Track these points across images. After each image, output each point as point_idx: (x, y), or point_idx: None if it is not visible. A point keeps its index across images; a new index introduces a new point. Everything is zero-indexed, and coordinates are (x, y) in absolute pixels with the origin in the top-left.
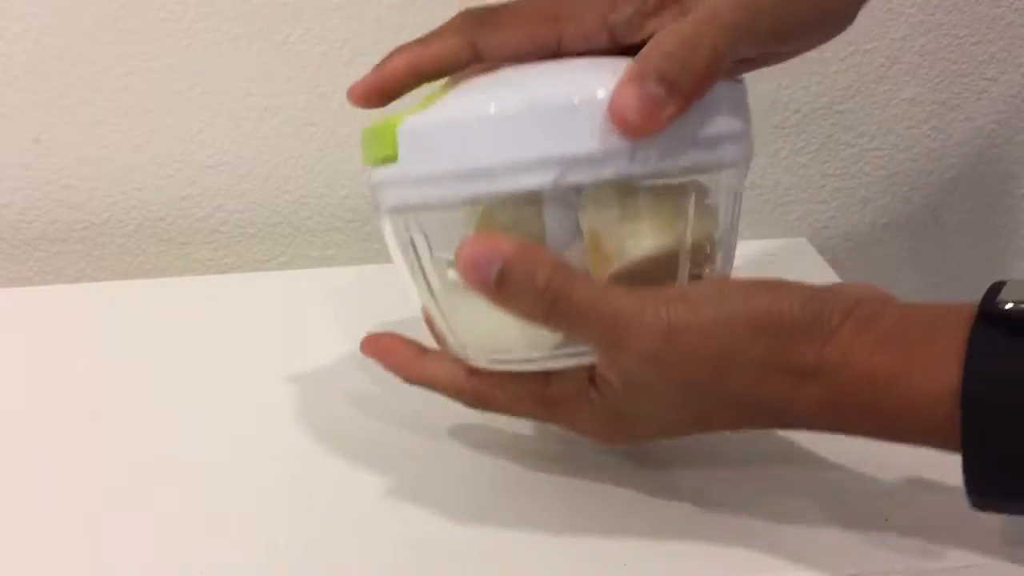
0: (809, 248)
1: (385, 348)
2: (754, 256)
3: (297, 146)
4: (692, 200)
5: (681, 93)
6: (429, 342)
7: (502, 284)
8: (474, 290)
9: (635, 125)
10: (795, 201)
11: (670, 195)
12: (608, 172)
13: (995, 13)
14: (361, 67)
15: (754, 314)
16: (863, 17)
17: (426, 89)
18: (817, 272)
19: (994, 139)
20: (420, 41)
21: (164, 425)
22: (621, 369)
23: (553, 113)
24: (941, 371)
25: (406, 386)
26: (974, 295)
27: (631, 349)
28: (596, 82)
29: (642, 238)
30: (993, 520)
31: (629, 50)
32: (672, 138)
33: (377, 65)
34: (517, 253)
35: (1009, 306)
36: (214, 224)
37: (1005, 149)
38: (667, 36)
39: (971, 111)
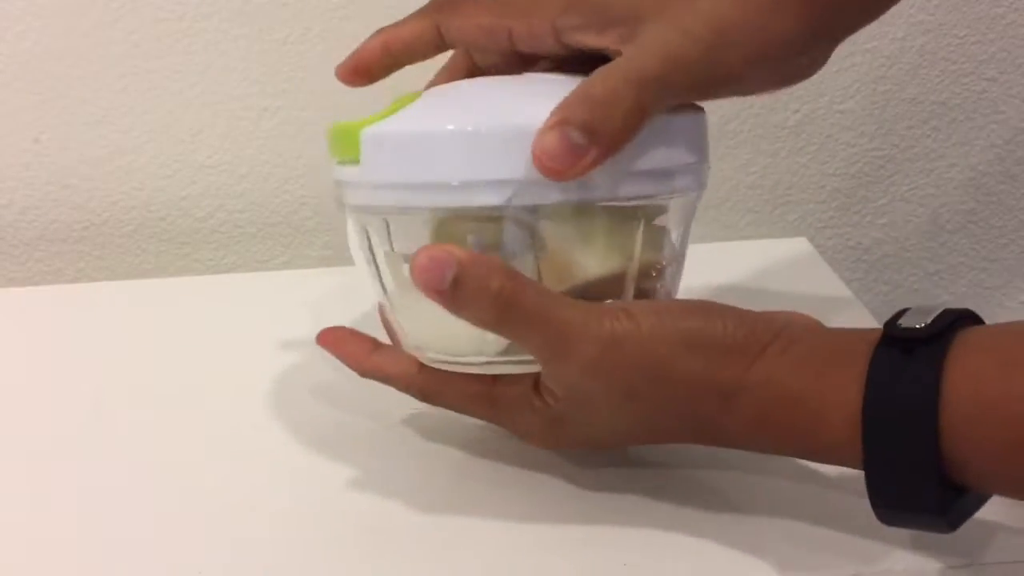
0: (809, 248)
1: (339, 340)
2: (754, 256)
3: (297, 146)
4: (641, 226)
5: (601, 143)
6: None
7: (456, 290)
8: (428, 295)
9: (556, 170)
10: (795, 201)
11: (622, 219)
12: (558, 196)
13: (995, 13)
14: None
15: (689, 332)
16: None
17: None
18: (817, 272)
19: (994, 139)
20: (395, 24)
21: (164, 425)
22: (564, 378)
23: (507, 137)
24: (846, 391)
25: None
26: (973, 295)
27: (575, 356)
28: (549, 110)
29: (593, 259)
30: (993, 519)
31: (580, 56)
32: (624, 168)
33: (358, 46)
34: (472, 260)
35: (903, 325)
36: (214, 224)
37: (1005, 149)
38: (594, 84)
39: (971, 111)
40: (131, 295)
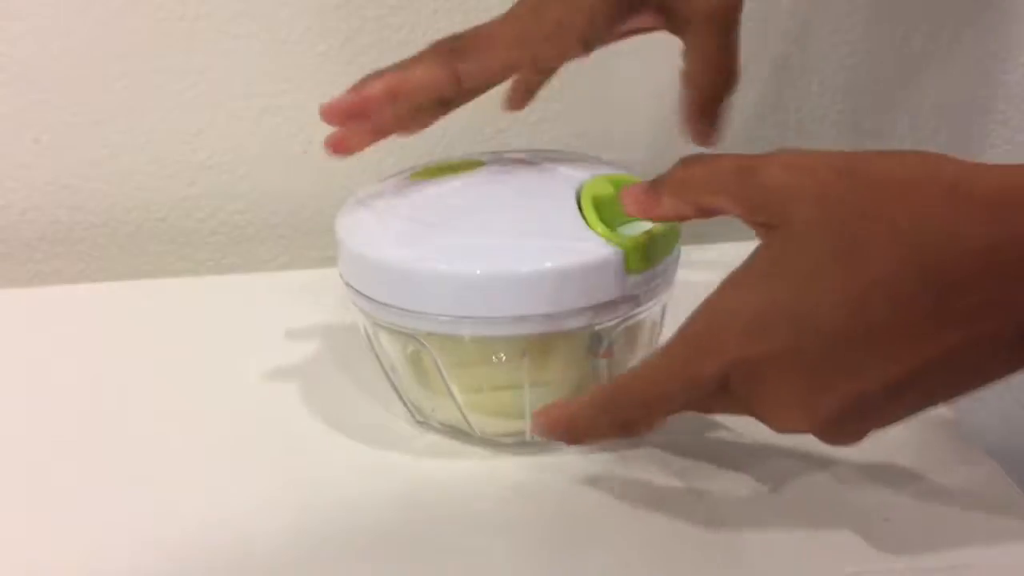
0: None
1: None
2: None
3: (297, 146)
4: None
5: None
6: None
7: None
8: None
9: None
10: None
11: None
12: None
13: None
14: (361, 67)
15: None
16: (864, 17)
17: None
18: None
19: (994, 139)
20: (399, 67)
21: (164, 425)
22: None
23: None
24: None
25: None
26: None
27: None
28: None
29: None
30: (993, 519)
31: None
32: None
33: (354, 86)
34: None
35: None
36: (214, 224)
37: (1005, 150)
38: None
39: (971, 111)
40: (131, 295)
